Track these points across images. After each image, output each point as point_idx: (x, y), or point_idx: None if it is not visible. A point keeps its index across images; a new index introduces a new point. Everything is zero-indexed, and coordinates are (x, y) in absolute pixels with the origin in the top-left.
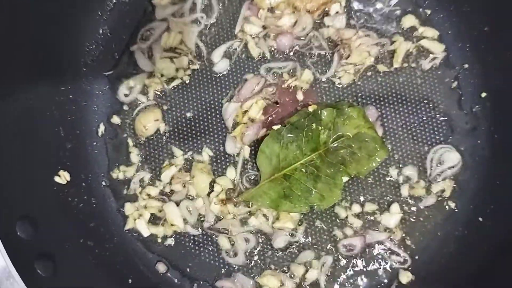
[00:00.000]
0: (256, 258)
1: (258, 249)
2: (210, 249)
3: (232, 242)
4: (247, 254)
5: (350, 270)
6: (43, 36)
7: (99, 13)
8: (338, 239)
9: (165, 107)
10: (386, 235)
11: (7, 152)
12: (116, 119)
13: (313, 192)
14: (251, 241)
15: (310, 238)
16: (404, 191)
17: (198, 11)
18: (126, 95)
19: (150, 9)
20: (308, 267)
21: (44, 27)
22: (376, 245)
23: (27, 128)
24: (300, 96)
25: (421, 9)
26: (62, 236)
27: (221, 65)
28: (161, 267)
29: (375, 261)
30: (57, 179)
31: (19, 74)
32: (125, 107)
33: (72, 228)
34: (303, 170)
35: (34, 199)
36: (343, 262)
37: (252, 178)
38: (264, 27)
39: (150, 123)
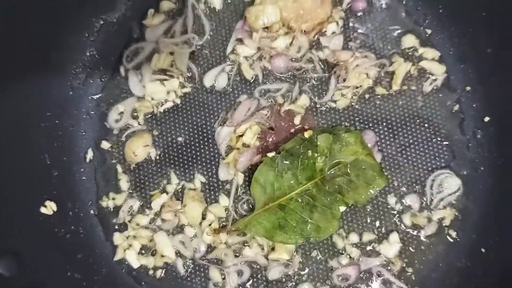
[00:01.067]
0: None
1: (251, 281)
2: (202, 280)
3: (223, 276)
4: (240, 286)
5: None
6: (28, 57)
7: (86, 34)
8: (333, 269)
9: (155, 132)
10: (380, 260)
11: None
12: (105, 144)
13: (309, 223)
14: (244, 274)
15: (306, 269)
16: (406, 220)
17: (189, 32)
18: (116, 120)
19: (139, 30)
20: None
21: (29, 48)
22: (374, 277)
23: (10, 156)
24: (296, 120)
25: (421, 29)
26: (48, 270)
27: (213, 88)
28: None
29: None
30: (43, 210)
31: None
32: (115, 132)
33: (59, 261)
34: (299, 200)
35: (18, 232)
36: None
37: (246, 206)
38: (258, 49)
39: (139, 148)
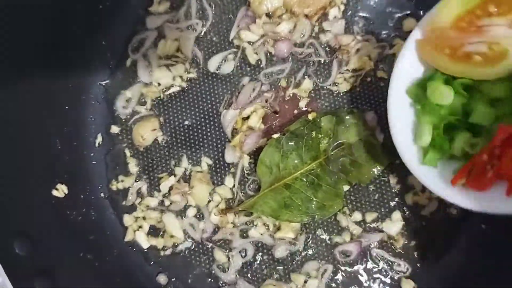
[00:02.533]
0: (257, 268)
1: (259, 259)
2: (210, 260)
3: (228, 257)
4: (248, 264)
5: (351, 279)
6: (34, 47)
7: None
8: (337, 245)
9: (162, 116)
10: (380, 236)
11: (2, 167)
12: (114, 129)
13: (314, 202)
14: (248, 252)
15: (311, 247)
16: (408, 199)
17: (193, 17)
18: (124, 107)
19: (145, 17)
20: (309, 276)
21: (36, 35)
22: (376, 253)
23: (22, 141)
24: (301, 104)
25: (422, 12)
26: (61, 251)
27: (218, 72)
28: (162, 279)
29: (376, 269)
30: (55, 192)
31: (11, 85)
32: (123, 117)
33: (71, 242)
34: (304, 179)
35: (31, 214)
36: (344, 270)
37: (252, 187)
38: (262, 35)
39: (147, 133)
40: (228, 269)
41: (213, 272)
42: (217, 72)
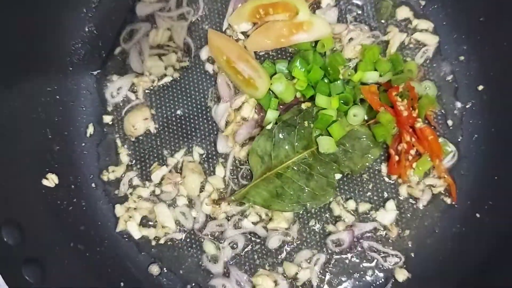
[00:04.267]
0: (250, 258)
1: (252, 249)
2: (201, 251)
3: (218, 248)
4: (240, 254)
5: (344, 268)
6: (26, 34)
7: (84, 10)
8: (330, 233)
9: (154, 106)
10: (373, 225)
11: None
12: (106, 119)
13: (306, 191)
14: (239, 245)
15: (304, 237)
16: (402, 190)
17: (184, 6)
18: (114, 96)
19: (135, 6)
20: (301, 266)
21: (26, 25)
22: (368, 242)
23: (12, 130)
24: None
25: (415, 0)
26: (51, 241)
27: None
28: (155, 269)
29: (369, 259)
30: (45, 182)
31: (1, 74)
32: (114, 106)
33: (61, 232)
34: (295, 168)
35: (21, 203)
36: (336, 259)
37: (245, 176)
38: (254, 24)
39: (139, 122)
40: (218, 260)
41: (203, 262)
42: (209, 61)
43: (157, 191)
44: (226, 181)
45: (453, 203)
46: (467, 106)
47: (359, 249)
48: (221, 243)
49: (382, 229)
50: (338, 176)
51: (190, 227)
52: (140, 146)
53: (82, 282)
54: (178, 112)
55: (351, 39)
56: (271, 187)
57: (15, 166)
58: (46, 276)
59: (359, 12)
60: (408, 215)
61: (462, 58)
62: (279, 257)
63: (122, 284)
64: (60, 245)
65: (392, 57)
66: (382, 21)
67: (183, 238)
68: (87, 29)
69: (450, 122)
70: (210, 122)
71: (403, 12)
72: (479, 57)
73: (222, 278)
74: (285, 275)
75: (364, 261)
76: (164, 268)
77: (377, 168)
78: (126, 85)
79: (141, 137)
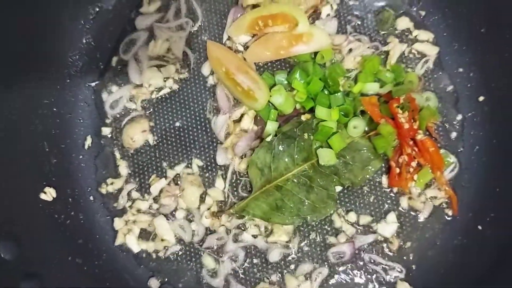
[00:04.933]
0: (250, 272)
1: (252, 263)
2: (200, 265)
3: (218, 262)
4: (240, 268)
5: (345, 281)
6: (23, 46)
7: (82, 21)
8: (330, 246)
9: (153, 118)
10: (374, 237)
11: None
12: (105, 131)
13: (306, 203)
14: (239, 259)
15: (305, 250)
16: (403, 203)
17: (182, 16)
18: (112, 107)
19: (134, 17)
20: (303, 279)
21: (24, 36)
22: (369, 255)
23: (9, 143)
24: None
25: (415, 11)
26: (49, 255)
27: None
28: (154, 283)
29: (370, 271)
30: (42, 196)
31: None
32: (112, 118)
33: (59, 246)
34: (295, 180)
35: (18, 218)
36: (337, 272)
37: (245, 188)
38: (254, 35)
39: (137, 134)
40: (218, 274)
41: (203, 276)
42: (210, 76)
43: (156, 204)
44: (225, 193)
45: (455, 215)
46: (468, 117)
47: (360, 262)
48: (220, 256)
49: (383, 241)
50: (338, 188)
51: (189, 240)
52: (138, 159)
53: None
54: (177, 124)
55: (351, 50)
56: (271, 199)
57: (13, 180)
58: None
59: (359, 22)
60: (409, 227)
61: (462, 69)
62: (280, 270)
63: None
64: (58, 259)
65: (394, 67)
66: (382, 32)
67: (182, 252)
68: (84, 41)
69: (451, 134)
70: (209, 134)
71: (403, 23)
72: (479, 68)
73: None
74: None
75: (365, 274)
76: (164, 282)
77: (378, 180)
78: (124, 97)
79: (139, 149)
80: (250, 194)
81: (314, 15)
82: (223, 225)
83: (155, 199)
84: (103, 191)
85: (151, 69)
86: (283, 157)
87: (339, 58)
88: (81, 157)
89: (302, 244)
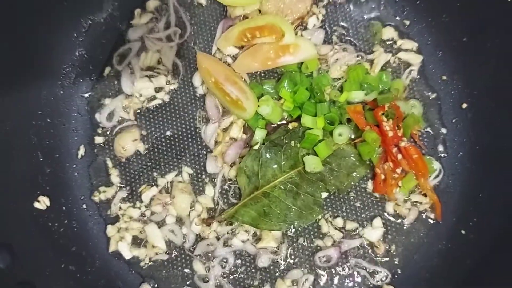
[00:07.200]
0: (240, 277)
1: (242, 268)
2: (191, 270)
3: (207, 268)
4: (230, 273)
5: (333, 285)
6: (17, 58)
7: (75, 34)
8: (317, 251)
9: (144, 127)
10: (360, 241)
11: None
12: (98, 140)
13: (293, 210)
14: (229, 263)
15: (293, 255)
16: (389, 208)
17: (172, 26)
18: (106, 118)
19: (126, 29)
20: (290, 284)
21: (18, 49)
22: (356, 259)
23: (3, 154)
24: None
25: (399, 21)
26: (42, 262)
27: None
28: None
29: (357, 275)
30: (36, 205)
31: None
32: (105, 128)
33: (53, 254)
34: (282, 187)
35: (12, 227)
36: (324, 276)
37: (234, 196)
38: (242, 47)
39: (128, 144)
40: (209, 279)
41: (195, 282)
42: (202, 87)
43: (147, 212)
44: (215, 201)
45: (438, 221)
46: (452, 124)
47: (347, 266)
48: (211, 261)
49: (369, 245)
50: (324, 194)
51: (180, 244)
52: (130, 167)
53: None
54: (168, 133)
55: (336, 59)
56: (259, 206)
57: (7, 190)
58: None
59: (344, 32)
60: (395, 232)
61: (445, 77)
62: (269, 275)
63: None
64: (51, 267)
65: (380, 75)
66: (367, 41)
67: (174, 258)
68: (77, 53)
69: (435, 140)
70: (199, 143)
71: (388, 32)
72: (462, 76)
73: None
74: None
75: (352, 278)
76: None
77: (363, 186)
78: (117, 107)
79: (131, 158)
80: (239, 201)
81: (301, 26)
82: (213, 231)
83: (147, 207)
84: (96, 199)
85: (143, 79)
86: (271, 164)
87: (326, 67)
88: (74, 166)
89: (290, 250)
